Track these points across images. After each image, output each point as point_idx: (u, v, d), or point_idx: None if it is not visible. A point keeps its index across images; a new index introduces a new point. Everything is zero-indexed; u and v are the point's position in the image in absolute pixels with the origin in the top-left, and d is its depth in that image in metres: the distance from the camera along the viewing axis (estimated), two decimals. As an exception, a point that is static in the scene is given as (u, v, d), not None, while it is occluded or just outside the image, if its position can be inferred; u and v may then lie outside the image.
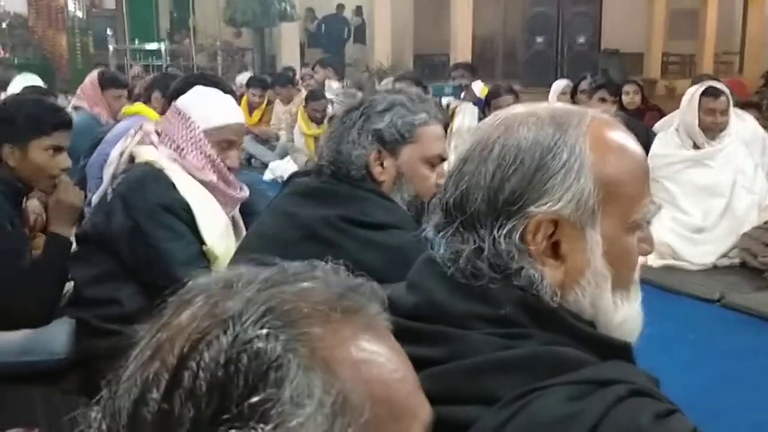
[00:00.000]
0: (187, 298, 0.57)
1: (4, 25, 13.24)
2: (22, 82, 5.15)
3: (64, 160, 2.20)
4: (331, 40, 14.00)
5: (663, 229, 3.99)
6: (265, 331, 0.52)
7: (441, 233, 0.86)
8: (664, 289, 3.64)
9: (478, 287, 0.80)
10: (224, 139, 2.06)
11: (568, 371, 0.74)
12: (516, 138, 0.81)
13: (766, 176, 4.15)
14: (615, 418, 0.70)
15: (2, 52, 12.58)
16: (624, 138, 0.85)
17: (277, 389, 0.50)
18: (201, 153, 2.03)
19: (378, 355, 0.56)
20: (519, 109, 0.88)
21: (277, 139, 7.18)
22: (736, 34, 19.29)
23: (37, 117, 2.14)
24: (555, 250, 0.80)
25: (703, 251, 3.92)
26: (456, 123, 5.78)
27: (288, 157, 6.57)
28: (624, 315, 0.84)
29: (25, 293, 2.12)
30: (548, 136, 0.81)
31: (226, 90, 2.33)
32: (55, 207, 2.22)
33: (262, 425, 0.49)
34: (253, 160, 7.15)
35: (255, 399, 0.50)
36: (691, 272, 3.84)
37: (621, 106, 5.78)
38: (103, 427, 0.54)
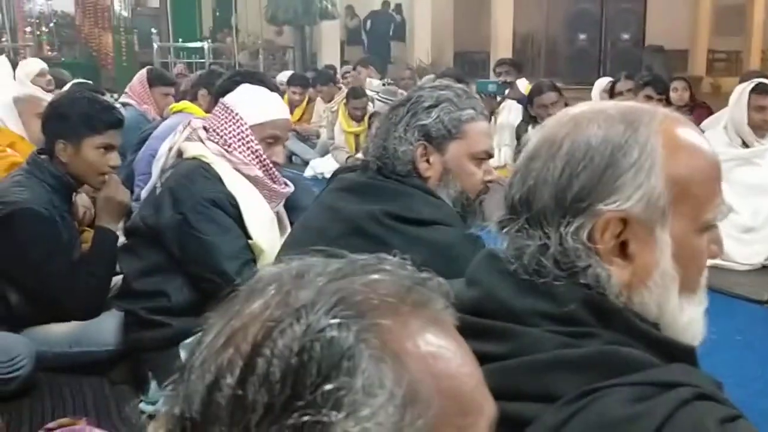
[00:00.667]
0: (259, 287, 0.57)
1: (51, 24, 13.52)
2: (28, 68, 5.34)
3: (115, 158, 2.25)
4: (377, 36, 14.01)
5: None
6: (337, 320, 0.53)
7: (505, 229, 0.85)
8: (712, 289, 3.54)
9: (542, 284, 0.79)
10: (270, 135, 2.09)
11: (632, 372, 0.73)
12: (586, 135, 0.80)
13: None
14: (680, 421, 0.69)
15: (50, 51, 12.85)
16: (696, 137, 0.83)
17: (350, 378, 0.51)
18: (247, 149, 2.06)
19: (445, 349, 0.56)
20: (588, 106, 0.87)
21: (318, 136, 7.21)
22: (785, 30, 18.81)
23: (90, 116, 2.20)
24: (623, 250, 0.79)
25: (751, 251, 3.83)
26: (500, 120, 5.74)
27: (329, 155, 6.60)
28: (690, 317, 0.83)
29: (75, 286, 2.17)
30: (619, 134, 0.80)
31: (271, 87, 2.36)
32: (104, 203, 2.27)
33: (334, 413, 0.50)
34: (294, 158, 7.20)
35: (328, 387, 0.50)
36: (740, 272, 3.75)
37: (669, 104, 5.70)
38: (176, 411, 0.55)
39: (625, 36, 14.16)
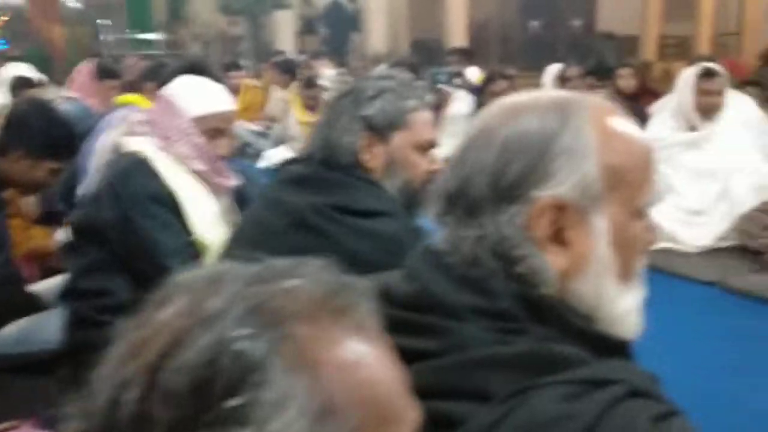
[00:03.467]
0: (169, 295, 0.55)
1: (3, 18, 13.19)
2: (13, 71, 5.12)
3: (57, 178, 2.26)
4: (336, 27, 13.97)
5: (659, 212, 3.98)
6: (248, 330, 0.50)
7: (441, 221, 0.84)
8: (662, 272, 3.63)
9: (478, 278, 0.79)
10: (213, 127, 2.04)
11: (564, 370, 0.72)
12: (519, 124, 0.81)
13: (763, 157, 4.12)
14: (611, 421, 0.68)
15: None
16: (627, 125, 0.84)
17: (259, 392, 0.49)
18: (190, 142, 2.02)
19: (367, 357, 0.54)
20: (521, 96, 0.87)
21: (269, 126, 7.13)
22: (734, 15, 19.20)
23: (54, 144, 2.19)
24: (559, 237, 0.79)
25: (699, 234, 3.91)
26: (450, 110, 5.74)
27: (283, 146, 6.54)
28: (626, 306, 0.82)
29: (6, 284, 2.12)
30: (552, 122, 0.80)
31: (215, 77, 2.31)
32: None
33: (239, 428, 0.48)
34: (248, 148, 7.12)
35: (234, 402, 0.48)
36: (689, 255, 3.83)
37: (617, 90, 5.76)
38: (80, 428, 0.53)
39: (577, 22, 14.29)
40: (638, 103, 5.44)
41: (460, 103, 5.34)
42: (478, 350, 0.75)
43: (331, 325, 0.54)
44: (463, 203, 0.81)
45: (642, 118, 4.47)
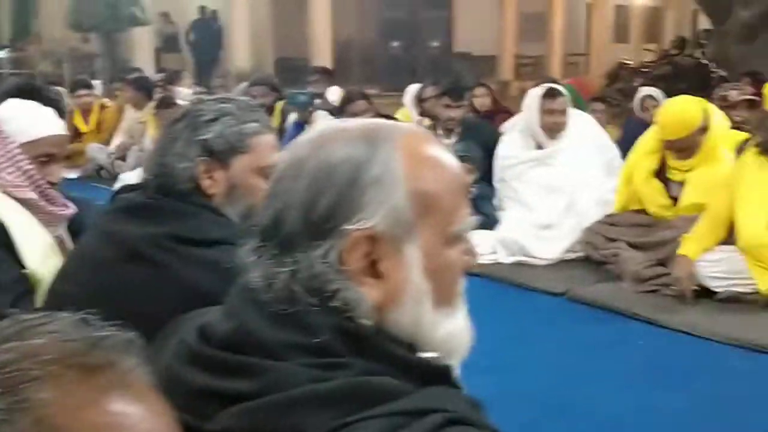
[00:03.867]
0: None
1: None
2: None
3: None
4: (201, 45, 13.72)
5: (512, 226, 4.15)
6: None
7: (256, 257, 0.81)
8: (514, 284, 3.77)
9: (294, 314, 0.76)
10: (43, 153, 1.92)
11: (384, 402, 0.71)
12: (328, 154, 0.79)
13: (605, 173, 4.38)
14: None
15: None
16: (438, 151, 0.84)
17: None
18: (18, 169, 1.88)
19: (126, 417, 0.51)
20: (331, 125, 0.86)
21: (125, 148, 6.86)
22: (582, 37, 20.47)
23: None
24: (374, 269, 0.78)
25: (549, 247, 4.09)
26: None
27: (140, 168, 6.30)
28: (447, 331, 0.82)
29: None
30: (360, 152, 0.79)
31: (48, 100, 2.18)
32: None
33: None
34: (102, 171, 6.82)
35: None
36: (540, 267, 3.99)
37: (473, 109, 5.97)
38: None
39: (435, 43, 14.76)
40: (493, 121, 5.65)
41: (321, 124, 5.33)
42: (295, 389, 0.72)
43: (81, 385, 0.50)
44: (276, 238, 0.79)
45: (494, 137, 4.65)
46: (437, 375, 0.80)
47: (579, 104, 5.41)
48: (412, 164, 0.80)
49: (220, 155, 1.50)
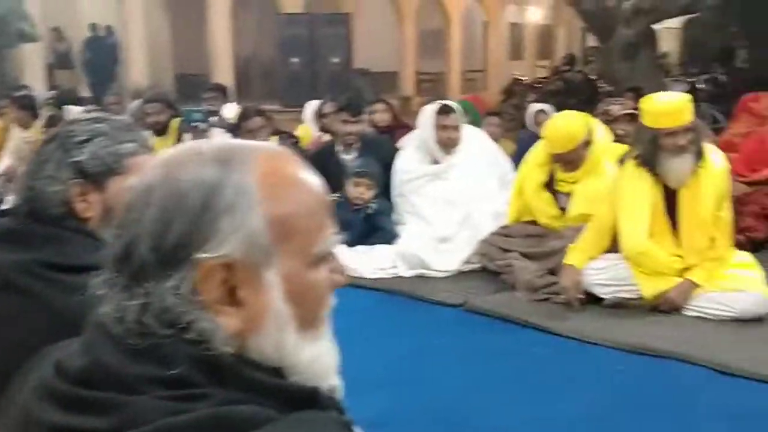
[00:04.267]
0: None
1: None
2: None
3: None
4: (97, 61, 13.27)
5: (411, 240, 4.20)
6: None
7: (108, 290, 0.78)
8: (414, 297, 3.82)
9: (149, 347, 0.74)
10: None
11: (248, 431, 0.69)
12: (177, 180, 0.76)
13: (498, 185, 4.50)
14: None
15: None
16: (297, 171, 0.81)
17: None
18: None
19: None
20: (182, 147, 0.82)
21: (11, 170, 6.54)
22: (480, 54, 21.05)
23: None
24: (232, 297, 0.76)
25: (447, 259, 4.16)
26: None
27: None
28: (313, 354, 0.81)
29: None
30: (212, 175, 0.76)
31: None
32: None
33: None
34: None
35: None
36: (439, 279, 4.05)
37: (373, 124, 6.02)
38: None
39: (335, 59, 14.81)
40: (393, 137, 5.72)
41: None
42: (153, 423, 0.70)
43: None
44: (127, 269, 0.76)
45: (393, 153, 4.71)
46: (305, 399, 0.78)
47: (477, 120, 5.56)
48: (269, 186, 0.77)
49: (94, 177, 1.45)
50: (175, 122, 5.48)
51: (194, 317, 0.75)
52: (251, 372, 0.76)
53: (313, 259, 0.80)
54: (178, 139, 5.33)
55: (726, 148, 4.18)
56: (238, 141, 0.85)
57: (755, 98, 5.35)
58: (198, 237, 0.74)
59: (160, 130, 5.35)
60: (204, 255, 0.74)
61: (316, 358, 0.82)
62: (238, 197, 0.75)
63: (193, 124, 5.14)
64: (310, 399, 0.79)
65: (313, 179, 0.83)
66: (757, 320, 3.26)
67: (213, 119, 5.36)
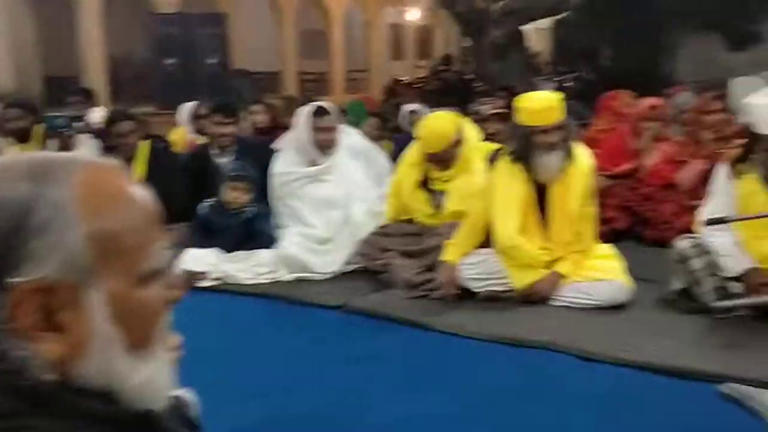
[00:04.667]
0: None
1: None
2: None
3: None
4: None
5: (291, 243, 4.17)
6: None
7: None
8: (294, 301, 3.79)
9: None
10: None
11: None
12: None
13: (375, 185, 4.54)
14: None
15: None
16: (121, 185, 0.78)
17: None
18: None
19: None
20: None
21: None
22: (361, 54, 21.21)
23: None
24: (52, 321, 0.71)
25: (328, 260, 4.15)
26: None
27: None
28: (145, 376, 0.77)
29: None
30: (25, 193, 0.71)
31: None
32: None
33: None
34: None
35: None
36: (319, 282, 4.04)
37: (253, 125, 5.95)
38: None
39: (212, 60, 14.51)
40: (272, 138, 5.66)
41: (84, 148, 5.04)
42: None
43: None
44: None
45: (269, 155, 4.66)
46: (136, 424, 0.76)
47: (365, 120, 5.58)
48: (89, 202, 0.74)
49: None
50: (39, 128, 5.20)
51: (7, 346, 0.70)
52: (77, 399, 0.73)
53: (141, 277, 0.77)
54: (43, 146, 5.07)
55: (590, 143, 4.39)
56: (57, 154, 0.80)
57: (614, 96, 5.65)
58: (10, 260, 0.70)
59: (23, 137, 5.07)
60: (17, 279, 0.70)
61: (149, 379, 0.78)
62: (54, 215, 0.71)
63: (59, 130, 4.89)
64: (141, 423, 0.77)
65: (139, 192, 0.80)
66: (618, 307, 3.44)
67: (78, 124, 5.12)
